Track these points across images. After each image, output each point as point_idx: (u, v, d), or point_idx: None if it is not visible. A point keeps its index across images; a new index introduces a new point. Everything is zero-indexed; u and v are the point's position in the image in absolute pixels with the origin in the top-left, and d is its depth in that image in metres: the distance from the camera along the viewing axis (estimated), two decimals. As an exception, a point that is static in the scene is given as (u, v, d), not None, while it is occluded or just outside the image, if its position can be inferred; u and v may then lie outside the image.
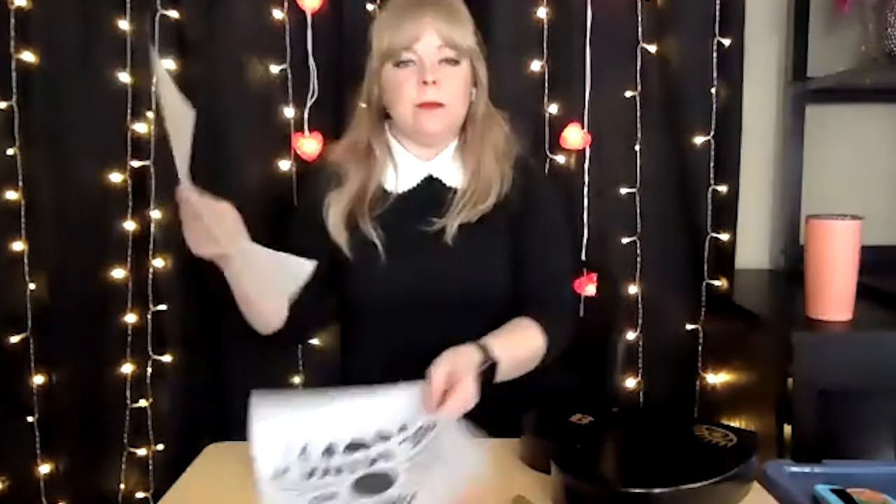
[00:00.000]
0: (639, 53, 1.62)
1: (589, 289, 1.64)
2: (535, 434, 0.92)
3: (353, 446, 0.83)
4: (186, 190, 0.89)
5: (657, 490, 0.75)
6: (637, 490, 0.75)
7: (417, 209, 1.18)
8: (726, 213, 1.66)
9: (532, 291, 1.17)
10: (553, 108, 1.63)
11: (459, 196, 1.17)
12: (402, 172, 1.20)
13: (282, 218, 1.61)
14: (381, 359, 1.19)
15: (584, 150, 1.63)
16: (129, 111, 1.57)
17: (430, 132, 1.16)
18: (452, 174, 1.21)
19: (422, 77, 1.11)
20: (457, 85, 1.15)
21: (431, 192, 1.20)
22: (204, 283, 1.62)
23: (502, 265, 1.18)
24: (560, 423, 0.95)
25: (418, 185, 1.20)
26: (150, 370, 1.61)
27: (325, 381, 1.64)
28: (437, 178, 1.20)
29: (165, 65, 1.55)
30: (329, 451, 0.83)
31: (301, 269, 0.91)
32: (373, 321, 1.21)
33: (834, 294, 1.32)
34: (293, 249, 0.98)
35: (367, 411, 0.88)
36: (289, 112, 1.59)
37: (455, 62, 1.15)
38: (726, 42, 1.62)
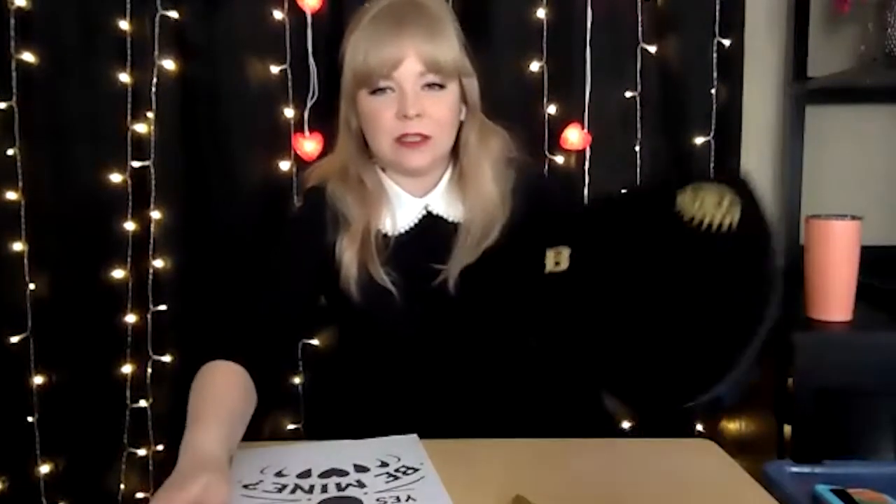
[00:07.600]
0: (639, 53, 1.62)
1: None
2: None
3: (330, 472, 0.86)
4: None
5: None
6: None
7: (420, 250, 1.05)
8: (726, 213, 1.66)
9: None
10: (553, 109, 1.63)
11: (462, 235, 1.05)
12: (398, 211, 1.07)
13: (281, 218, 1.61)
14: (385, 390, 1.10)
15: (584, 150, 1.63)
16: (129, 111, 1.58)
17: (413, 168, 1.03)
18: (451, 208, 1.08)
19: (402, 110, 0.98)
20: (443, 113, 1.01)
21: (433, 231, 1.07)
22: (203, 284, 1.62)
23: (511, 303, 1.02)
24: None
25: (417, 223, 1.07)
26: (150, 370, 1.61)
27: (324, 381, 1.64)
28: (436, 215, 1.08)
29: (166, 65, 1.56)
30: (305, 473, 0.85)
31: None
32: (379, 361, 1.11)
33: (834, 294, 1.31)
34: (280, 287, 0.99)
35: (350, 449, 0.91)
36: (289, 112, 1.59)
37: (440, 86, 1.00)
38: (726, 42, 1.62)
